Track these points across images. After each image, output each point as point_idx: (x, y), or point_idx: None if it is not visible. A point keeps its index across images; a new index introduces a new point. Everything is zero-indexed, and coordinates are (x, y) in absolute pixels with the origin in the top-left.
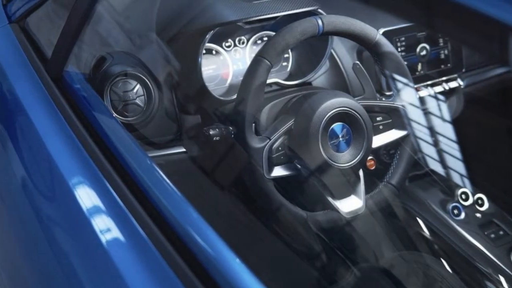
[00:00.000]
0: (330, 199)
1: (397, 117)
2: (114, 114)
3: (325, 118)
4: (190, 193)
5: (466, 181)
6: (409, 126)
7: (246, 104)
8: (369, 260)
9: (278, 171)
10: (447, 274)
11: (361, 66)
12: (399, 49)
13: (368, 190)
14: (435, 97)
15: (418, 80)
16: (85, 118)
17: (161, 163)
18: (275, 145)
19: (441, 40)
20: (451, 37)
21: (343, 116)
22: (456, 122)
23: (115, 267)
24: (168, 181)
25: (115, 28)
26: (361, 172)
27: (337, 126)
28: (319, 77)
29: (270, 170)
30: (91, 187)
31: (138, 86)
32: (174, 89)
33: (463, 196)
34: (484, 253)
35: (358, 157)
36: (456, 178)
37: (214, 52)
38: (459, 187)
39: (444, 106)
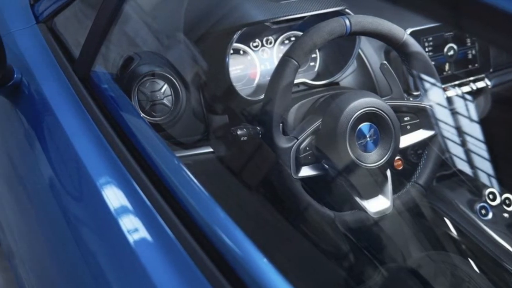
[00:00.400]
0: (357, 199)
1: (424, 117)
2: (142, 114)
3: (352, 118)
4: (217, 193)
5: (494, 181)
6: (436, 126)
7: (273, 104)
8: (396, 260)
9: (306, 171)
10: (474, 274)
11: (388, 66)
12: (426, 49)
13: (395, 190)
14: (463, 97)
15: (445, 80)
16: (112, 118)
17: (189, 163)
18: (302, 145)
19: (468, 40)
20: (479, 37)
21: (371, 116)
22: (483, 122)
23: (142, 267)
24: (195, 181)
25: (142, 28)
26: (388, 172)
27: (364, 126)
28: (347, 77)
29: (298, 170)
30: (119, 187)
31: (166, 86)
32: (201, 89)
33: (491, 196)
34: None
35: (386, 157)
36: (484, 178)
37: (241, 52)
38: (486, 187)
39: (471, 106)
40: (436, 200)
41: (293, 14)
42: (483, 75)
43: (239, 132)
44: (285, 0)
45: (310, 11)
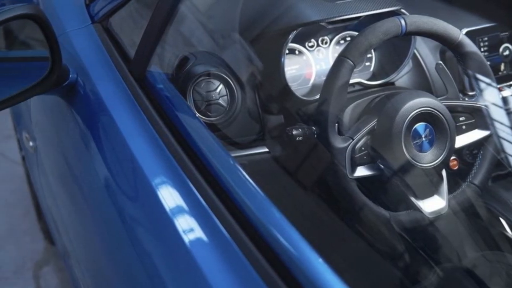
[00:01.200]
0: (413, 199)
1: (480, 117)
2: (197, 114)
3: (408, 118)
4: (273, 193)
5: None
6: (492, 126)
7: (329, 104)
8: (452, 260)
9: (361, 171)
10: None
11: (444, 66)
12: (482, 49)
13: (451, 190)
14: None
15: (501, 80)
16: (168, 118)
17: (244, 163)
18: (358, 145)
19: None
20: None
21: (426, 116)
22: None
23: (197, 267)
24: (251, 181)
25: (198, 28)
26: (444, 172)
27: (420, 126)
28: (402, 77)
29: (353, 170)
30: (174, 187)
31: (221, 86)
32: (257, 89)
33: None
34: None
35: (441, 157)
36: None
37: (297, 52)
38: None
39: None
40: (492, 200)
41: (349, 14)
42: None
43: (294, 132)
44: (340, 0)
45: (366, 11)
